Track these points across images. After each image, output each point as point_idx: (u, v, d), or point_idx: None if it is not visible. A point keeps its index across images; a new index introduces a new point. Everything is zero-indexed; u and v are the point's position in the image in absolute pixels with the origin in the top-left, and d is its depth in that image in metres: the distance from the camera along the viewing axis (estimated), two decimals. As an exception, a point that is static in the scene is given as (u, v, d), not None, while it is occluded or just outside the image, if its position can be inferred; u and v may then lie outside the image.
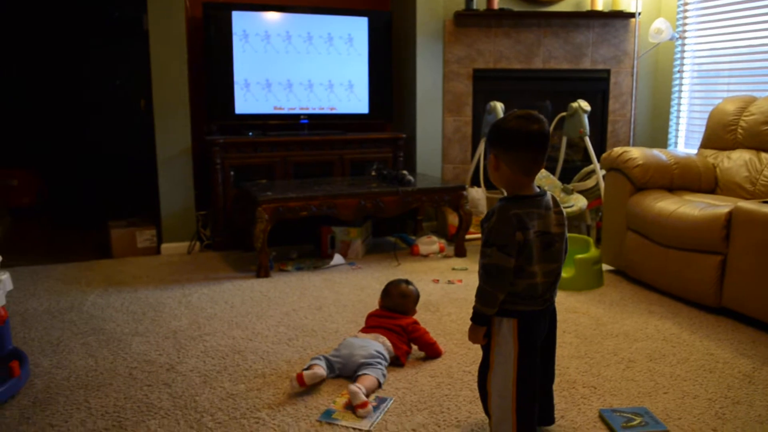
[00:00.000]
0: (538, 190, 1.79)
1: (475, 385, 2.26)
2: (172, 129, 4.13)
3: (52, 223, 5.47)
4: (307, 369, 2.25)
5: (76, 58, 6.58)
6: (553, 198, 1.82)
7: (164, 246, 4.21)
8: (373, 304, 3.04)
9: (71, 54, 6.58)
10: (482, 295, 1.72)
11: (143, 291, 3.41)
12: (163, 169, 4.15)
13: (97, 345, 2.68)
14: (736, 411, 2.12)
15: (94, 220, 5.25)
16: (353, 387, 2.11)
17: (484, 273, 1.71)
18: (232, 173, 4.21)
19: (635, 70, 4.80)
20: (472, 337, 1.79)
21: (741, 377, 2.38)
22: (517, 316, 1.75)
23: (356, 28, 4.56)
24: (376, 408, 2.10)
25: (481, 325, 1.76)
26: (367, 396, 2.14)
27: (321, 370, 2.24)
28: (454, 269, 3.84)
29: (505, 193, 1.80)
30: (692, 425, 2.03)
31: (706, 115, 4.01)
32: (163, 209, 4.19)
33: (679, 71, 4.70)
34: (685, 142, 4.72)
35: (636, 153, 3.55)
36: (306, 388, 2.21)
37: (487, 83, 4.73)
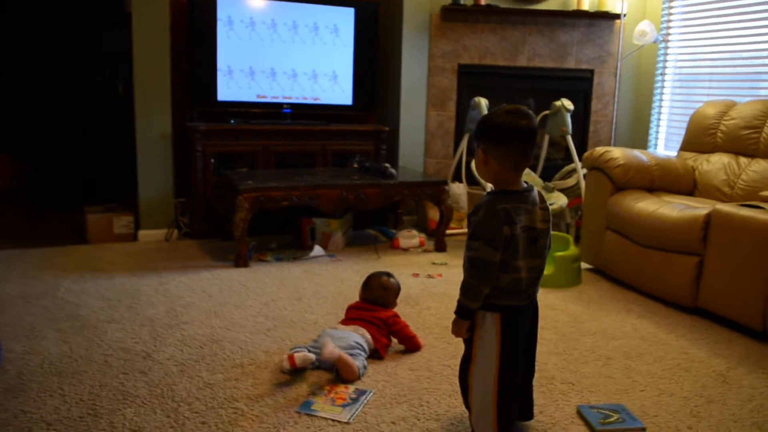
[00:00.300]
0: (525, 185, 1.79)
1: (455, 379, 2.27)
2: (152, 113, 4.06)
3: (26, 207, 5.35)
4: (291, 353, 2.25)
5: (52, 42, 6.45)
6: (540, 194, 1.83)
7: (141, 233, 4.15)
8: (353, 297, 3.02)
9: (47, 38, 6.44)
10: (467, 288, 1.72)
11: (119, 278, 3.36)
12: (142, 154, 4.08)
13: (72, 331, 2.63)
14: (711, 409, 2.15)
15: (70, 205, 5.16)
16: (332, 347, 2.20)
17: (470, 266, 1.70)
18: (212, 161, 4.16)
19: (618, 71, 4.83)
20: (456, 330, 1.78)
21: (715, 376, 2.41)
22: (501, 311, 1.75)
23: (342, 19, 4.53)
24: (355, 400, 2.10)
25: (465, 318, 1.75)
26: (344, 382, 2.19)
27: (310, 354, 2.24)
28: (434, 264, 3.84)
29: (493, 188, 1.80)
30: (668, 423, 2.05)
31: (687, 118, 4.06)
32: (141, 195, 4.12)
33: (661, 74, 4.74)
34: (665, 144, 4.77)
35: (617, 153, 3.58)
36: (295, 369, 2.22)
37: (472, 79, 4.73)
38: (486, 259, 1.68)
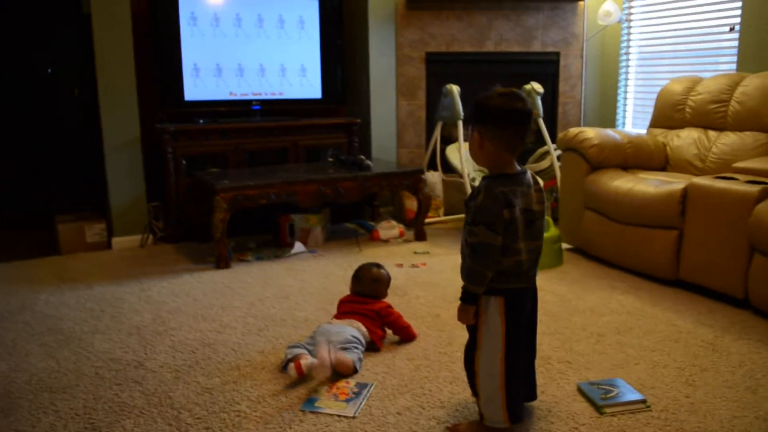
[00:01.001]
0: (519, 168, 1.79)
1: (454, 366, 2.28)
2: (119, 117, 3.95)
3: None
4: (293, 360, 2.20)
5: (6, 46, 6.25)
6: (533, 176, 1.83)
7: (115, 240, 4.05)
8: (339, 291, 3.01)
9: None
10: (471, 274, 1.72)
11: (98, 287, 3.28)
12: (110, 160, 3.98)
13: (56, 345, 2.55)
14: (705, 377, 2.20)
15: (36, 215, 5.02)
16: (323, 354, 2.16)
17: (473, 252, 1.70)
18: (183, 162, 4.08)
19: (584, 52, 4.89)
20: (462, 317, 1.78)
21: (705, 345, 2.46)
22: (504, 294, 1.75)
23: (307, 11, 4.47)
24: (358, 394, 2.08)
25: (471, 304, 1.75)
26: (341, 376, 2.17)
27: (313, 359, 2.20)
28: (415, 253, 3.84)
29: (488, 172, 1.80)
30: (666, 393, 2.09)
31: (653, 96, 4.13)
32: (113, 201, 4.02)
33: (625, 53, 4.82)
34: (632, 122, 4.85)
35: (591, 133, 3.62)
36: (303, 376, 2.16)
37: (440, 66, 4.73)
38: (488, 243, 1.68)
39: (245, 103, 4.40)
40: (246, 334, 2.63)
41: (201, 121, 4.22)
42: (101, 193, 4.32)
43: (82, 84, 6.30)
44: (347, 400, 2.04)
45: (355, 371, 2.24)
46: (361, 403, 2.03)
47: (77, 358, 2.43)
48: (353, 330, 2.37)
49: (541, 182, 1.86)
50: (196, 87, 4.23)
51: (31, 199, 5.84)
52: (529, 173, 1.81)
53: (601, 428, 1.89)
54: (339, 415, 1.97)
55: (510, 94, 1.71)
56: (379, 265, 2.65)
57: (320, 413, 1.98)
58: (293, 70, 4.50)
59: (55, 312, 2.93)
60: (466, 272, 1.73)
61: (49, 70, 6.74)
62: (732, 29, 3.97)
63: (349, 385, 2.14)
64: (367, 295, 2.57)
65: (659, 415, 1.95)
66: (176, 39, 4.12)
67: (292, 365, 2.16)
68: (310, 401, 2.04)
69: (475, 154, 1.79)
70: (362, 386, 2.14)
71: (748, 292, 2.77)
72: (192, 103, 4.24)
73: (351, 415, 1.96)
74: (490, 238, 1.68)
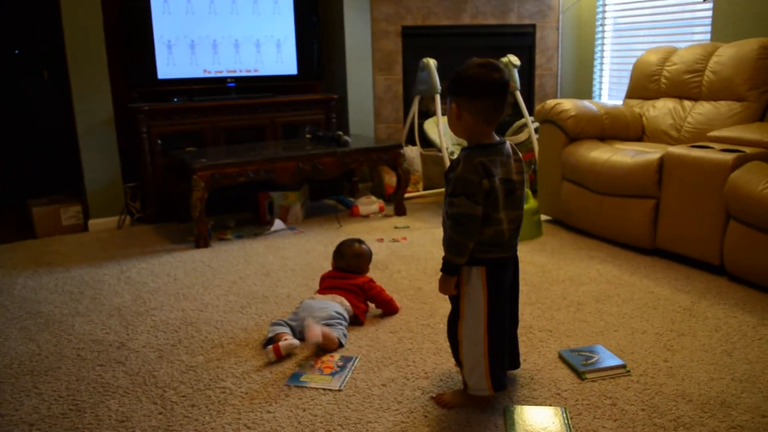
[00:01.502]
0: (497, 139, 1.79)
1: (436, 338, 2.31)
2: (91, 98, 3.88)
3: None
4: (273, 340, 2.21)
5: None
6: (512, 146, 1.84)
7: (92, 222, 4.00)
8: (321, 267, 3.02)
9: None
10: (452, 244, 1.72)
11: (76, 270, 3.24)
12: (84, 141, 3.91)
13: (36, 329, 2.53)
14: (683, 342, 2.25)
15: (8, 198, 4.93)
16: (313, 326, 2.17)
17: (454, 223, 1.71)
18: (159, 142, 4.03)
19: (560, 24, 4.89)
20: (443, 288, 1.79)
21: (682, 311, 2.51)
22: (485, 264, 1.76)
23: (281, -14, 4.40)
24: (342, 367, 2.10)
25: (452, 275, 1.76)
26: (325, 351, 2.18)
27: (294, 340, 2.20)
28: (396, 228, 3.85)
29: (467, 143, 1.80)
30: (645, 358, 2.14)
31: (628, 67, 4.16)
32: (88, 183, 3.96)
33: (601, 25, 4.83)
34: (608, 93, 4.88)
35: (568, 105, 3.63)
36: (281, 358, 2.16)
37: (416, 40, 4.70)
38: (468, 214, 1.69)
39: (220, 81, 4.34)
40: (228, 312, 2.62)
41: (176, 99, 4.16)
42: (76, 175, 4.25)
43: (51, 65, 6.18)
44: (332, 374, 2.05)
45: (341, 346, 2.25)
46: (346, 377, 2.04)
47: (58, 341, 2.41)
48: (336, 305, 2.37)
49: (519, 153, 1.86)
50: (170, 65, 4.16)
51: (3, 183, 5.73)
52: (508, 144, 1.82)
53: (583, 393, 1.92)
54: (324, 389, 1.98)
55: (487, 65, 1.71)
56: (360, 241, 2.66)
57: (306, 387, 1.99)
58: (268, 46, 4.44)
59: (33, 295, 2.89)
60: (447, 243, 1.74)
61: (17, 51, 6.57)
62: (705, 0, 3.99)
63: (333, 359, 2.16)
64: (349, 270, 2.57)
65: (639, 380, 2.00)
66: (147, 16, 4.04)
67: (270, 348, 2.16)
68: (295, 376, 2.05)
69: (453, 125, 1.79)
70: (347, 360, 2.15)
71: (723, 258, 2.82)
72: (166, 81, 4.17)
73: (336, 388, 1.98)
74: (470, 209, 1.68)
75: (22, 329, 2.52)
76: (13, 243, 3.77)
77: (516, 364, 2.01)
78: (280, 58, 4.49)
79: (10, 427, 1.84)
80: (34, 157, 6.19)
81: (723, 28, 3.83)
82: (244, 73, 4.40)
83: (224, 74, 4.33)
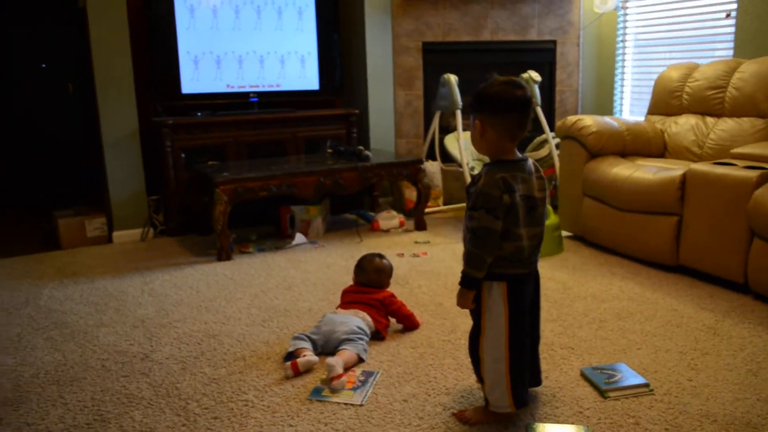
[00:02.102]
0: (520, 156, 1.81)
1: (457, 353, 2.31)
2: (117, 111, 3.95)
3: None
4: (293, 355, 2.22)
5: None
6: (534, 164, 1.85)
7: (116, 234, 4.06)
8: (342, 282, 3.03)
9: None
10: (471, 258, 1.73)
11: (101, 281, 3.29)
12: (110, 154, 3.98)
13: (62, 339, 2.57)
14: (707, 361, 2.23)
15: (34, 210, 5.03)
16: (330, 360, 2.11)
17: (473, 236, 1.72)
18: (182, 155, 4.08)
19: (581, 40, 4.89)
20: (461, 301, 1.80)
21: (706, 330, 2.49)
22: (506, 279, 1.77)
23: (304, 1, 4.46)
24: (364, 382, 2.10)
25: (470, 289, 1.77)
26: (346, 370, 2.14)
27: (313, 356, 2.21)
28: (416, 242, 3.85)
29: (489, 159, 1.81)
30: (668, 377, 2.12)
31: (649, 83, 4.14)
32: (113, 196, 4.02)
33: (622, 40, 4.82)
34: (629, 109, 4.87)
35: (590, 121, 3.63)
36: (298, 374, 2.17)
37: (437, 56, 4.73)
38: (488, 228, 1.70)
39: (243, 96, 4.39)
40: (250, 325, 2.64)
41: (199, 114, 4.22)
42: (100, 188, 4.32)
43: (76, 79, 6.31)
44: (354, 389, 2.06)
45: (361, 360, 2.26)
46: (367, 391, 2.05)
47: (83, 351, 2.44)
48: (358, 320, 2.38)
49: (541, 170, 1.87)
50: (193, 80, 4.22)
51: (28, 194, 5.84)
52: (530, 161, 1.83)
53: (606, 412, 1.91)
54: (346, 404, 1.99)
55: (510, 82, 1.73)
56: (381, 255, 2.67)
57: (327, 402, 2.00)
58: (291, 61, 4.50)
59: (59, 306, 2.94)
60: (466, 256, 1.75)
61: (44, 65, 6.73)
62: (728, 15, 3.98)
63: (355, 373, 2.16)
64: (370, 284, 2.58)
65: (662, 399, 1.98)
66: (173, 32, 4.11)
67: (288, 364, 2.17)
68: (317, 390, 2.06)
69: (476, 142, 1.80)
70: (368, 374, 2.16)
71: (747, 276, 2.79)
72: (190, 96, 4.24)
73: (358, 402, 1.98)
74: (490, 223, 1.69)
75: (48, 339, 2.56)
76: (39, 254, 3.83)
77: (537, 381, 2.00)
78: (302, 73, 4.54)
79: (37, 437, 1.87)
80: (58, 169, 6.31)
81: (746, 43, 3.81)
82: (266, 88, 4.45)
83: (247, 89, 4.39)
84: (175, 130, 4.03)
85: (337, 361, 2.10)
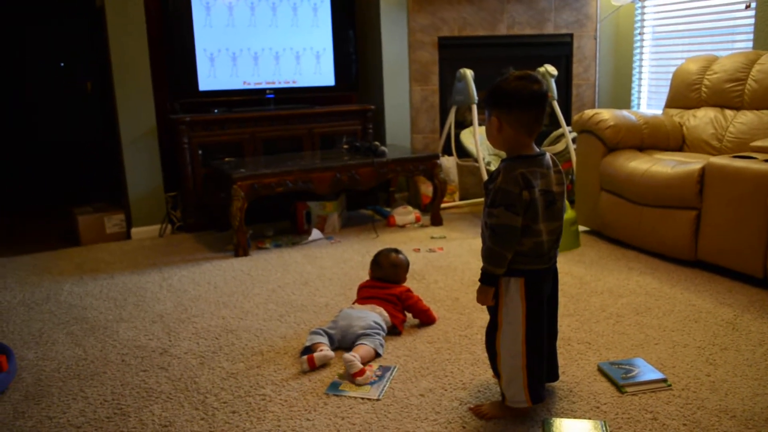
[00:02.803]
0: (537, 150, 1.80)
1: (474, 348, 2.31)
2: (135, 109, 3.99)
3: (7, 212, 5.25)
4: (310, 349, 2.24)
5: (16, 42, 6.32)
6: (552, 158, 1.84)
7: (134, 230, 4.10)
8: (358, 277, 3.04)
9: (10, 38, 6.31)
10: (490, 255, 1.73)
11: (120, 276, 3.32)
12: (128, 152, 4.01)
13: (82, 334, 2.60)
14: (726, 356, 2.21)
15: (54, 207, 5.09)
16: (348, 355, 2.12)
17: (492, 234, 1.71)
18: (200, 152, 4.11)
19: (597, 33, 4.85)
20: (481, 298, 1.80)
21: (725, 325, 2.47)
22: (525, 275, 1.76)
23: (320, -2, 4.47)
24: (381, 377, 2.11)
25: (490, 285, 1.77)
26: (364, 364, 2.14)
27: (329, 351, 2.22)
28: (432, 238, 3.85)
29: (506, 155, 1.81)
30: (687, 372, 2.10)
31: (667, 76, 4.11)
32: (131, 192, 4.06)
33: (639, 33, 4.78)
34: (647, 102, 4.82)
35: (607, 114, 3.61)
36: (314, 368, 2.18)
37: (453, 51, 4.72)
38: (507, 225, 1.70)
39: (259, 92, 4.41)
40: (267, 321, 2.66)
41: (216, 110, 4.25)
42: (118, 184, 4.37)
43: (95, 77, 6.38)
44: (371, 383, 2.07)
45: (378, 355, 2.26)
46: (384, 386, 2.06)
47: (103, 346, 2.47)
48: (375, 315, 2.39)
49: (559, 165, 1.86)
50: (210, 77, 4.25)
51: (48, 191, 5.92)
52: (548, 155, 1.82)
53: (623, 407, 1.90)
54: (363, 398, 2.00)
55: (526, 77, 1.72)
56: (397, 251, 2.67)
57: (344, 396, 2.01)
58: (307, 57, 4.51)
59: (79, 301, 2.98)
60: (486, 253, 1.75)
61: (62, 64, 6.81)
62: (748, 6, 3.93)
63: (372, 368, 2.17)
64: (386, 280, 2.59)
65: (680, 394, 1.97)
66: (190, 30, 4.14)
67: (304, 358, 2.18)
68: (334, 385, 2.07)
69: (493, 137, 1.80)
70: (385, 369, 2.17)
71: (767, 271, 2.76)
72: (207, 93, 4.26)
73: (375, 397, 1.99)
74: (509, 220, 1.69)
75: (68, 334, 2.60)
76: (59, 250, 3.88)
77: (555, 376, 2.00)
78: (318, 69, 4.55)
79: (58, 430, 1.90)
80: (77, 167, 6.39)
81: (766, 35, 3.76)
82: (282, 85, 4.47)
83: (263, 86, 4.41)
84: (192, 127, 4.06)
85: (355, 356, 2.11)
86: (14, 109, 6.44)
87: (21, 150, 6.44)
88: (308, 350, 2.25)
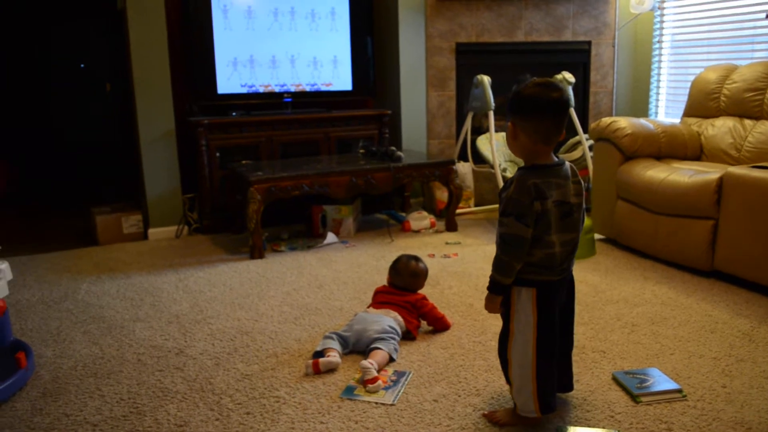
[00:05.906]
0: (556, 159, 1.78)
1: (488, 355, 2.31)
2: (154, 111, 4.03)
3: (27, 212, 5.32)
4: (320, 354, 2.25)
5: (38, 44, 6.41)
6: (572, 168, 1.82)
7: (151, 231, 4.14)
8: (373, 281, 3.05)
9: (33, 39, 6.40)
10: (499, 264, 1.73)
11: (137, 276, 3.36)
12: (146, 153, 4.06)
13: (99, 333, 2.63)
14: (742, 368, 2.19)
15: (72, 207, 5.15)
16: (365, 363, 2.12)
17: (502, 243, 1.71)
18: (217, 154, 4.15)
19: (616, 41, 4.84)
20: (489, 306, 1.80)
21: (741, 336, 2.45)
22: (536, 286, 1.76)
23: (339, 3, 4.49)
24: (396, 382, 2.12)
25: (498, 294, 1.77)
26: (379, 371, 2.15)
27: (337, 358, 2.23)
28: (447, 243, 3.86)
29: (523, 163, 1.80)
30: (702, 383, 2.09)
31: (686, 85, 4.08)
32: (149, 193, 4.11)
33: (658, 41, 4.76)
34: (665, 111, 4.80)
35: (624, 123, 3.59)
36: (319, 373, 2.19)
37: (470, 57, 4.72)
38: (517, 235, 1.69)
39: (277, 96, 4.44)
40: (282, 323, 2.68)
41: (234, 113, 4.28)
42: (136, 185, 4.41)
43: (114, 79, 6.45)
44: (386, 388, 2.07)
45: (392, 360, 2.27)
46: (399, 391, 2.06)
47: (120, 345, 2.50)
48: (390, 320, 2.40)
49: (579, 175, 1.84)
50: (228, 80, 4.28)
51: (67, 191, 5.99)
52: (567, 164, 1.79)
53: (638, 417, 1.89)
54: (377, 403, 2.00)
55: (546, 84, 1.70)
56: (417, 258, 2.66)
57: (359, 400, 2.02)
58: (325, 62, 4.53)
59: (96, 301, 3.01)
60: (494, 262, 1.75)
61: (82, 66, 6.90)
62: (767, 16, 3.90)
63: (387, 373, 2.18)
64: (405, 288, 2.58)
65: (695, 405, 1.95)
66: (209, 33, 4.18)
67: (310, 362, 2.19)
68: (349, 389, 2.08)
69: (511, 144, 1.80)
70: (400, 374, 2.17)
71: (785, 282, 2.74)
72: (225, 96, 4.30)
73: (390, 402, 2.00)
74: (519, 230, 1.68)
75: (86, 333, 2.63)
76: (77, 249, 3.93)
77: (569, 386, 1.99)
78: (336, 74, 4.57)
79: (75, 427, 1.93)
80: (96, 167, 6.46)
81: (787, 45, 3.73)
82: (300, 89, 4.49)
83: (281, 89, 4.44)
84: (210, 130, 4.09)
85: (371, 363, 2.12)
86: (38, 109, 6.53)
87: (43, 150, 6.52)
88: (319, 354, 2.26)
